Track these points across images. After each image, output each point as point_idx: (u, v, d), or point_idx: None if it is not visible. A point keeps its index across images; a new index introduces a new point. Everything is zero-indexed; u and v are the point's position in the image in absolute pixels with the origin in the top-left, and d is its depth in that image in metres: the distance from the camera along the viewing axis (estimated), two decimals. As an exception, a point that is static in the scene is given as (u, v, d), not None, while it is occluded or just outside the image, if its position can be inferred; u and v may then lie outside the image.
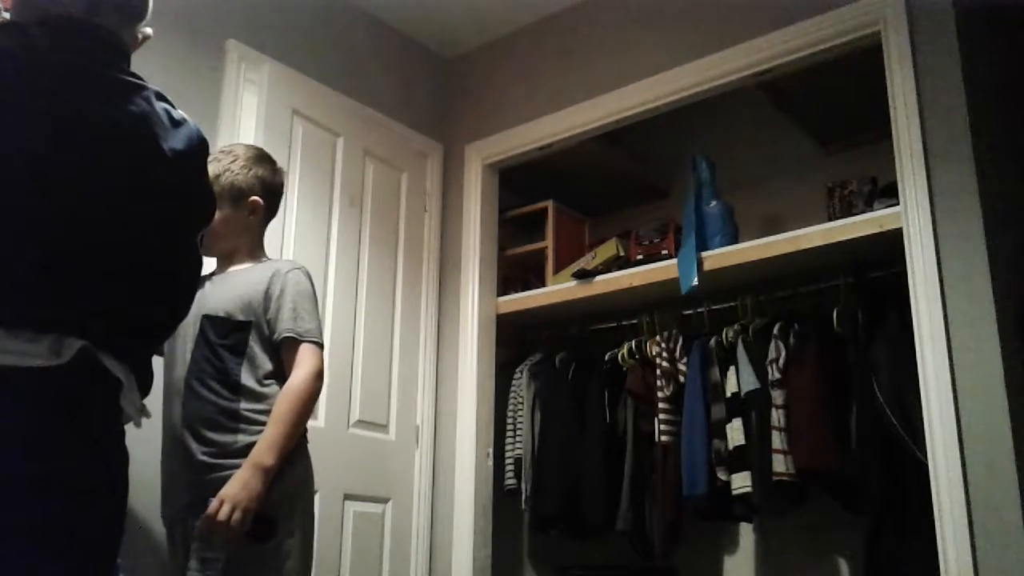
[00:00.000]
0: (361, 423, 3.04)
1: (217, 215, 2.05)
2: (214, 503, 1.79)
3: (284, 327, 1.98)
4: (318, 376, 1.99)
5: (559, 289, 3.34)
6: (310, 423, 2.81)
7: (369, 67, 3.41)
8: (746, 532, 3.22)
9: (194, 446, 1.92)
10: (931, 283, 2.32)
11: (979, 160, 2.35)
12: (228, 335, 1.98)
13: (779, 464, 2.65)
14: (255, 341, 1.99)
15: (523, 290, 3.51)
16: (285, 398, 1.92)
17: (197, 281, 1.64)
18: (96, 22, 1.43)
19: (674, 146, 3.59)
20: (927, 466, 2.26)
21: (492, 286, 3.45)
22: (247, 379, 1.96)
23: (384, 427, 3.14)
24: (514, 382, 3.47)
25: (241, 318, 1.99)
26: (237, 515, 1.78)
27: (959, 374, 2.25)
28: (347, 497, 2.93)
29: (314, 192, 3.01)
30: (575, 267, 3.33)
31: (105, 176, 1.36)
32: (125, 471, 1.38)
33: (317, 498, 2.80)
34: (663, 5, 3.11)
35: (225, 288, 2.05)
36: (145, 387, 1.44)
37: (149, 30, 1.56)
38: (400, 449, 3.18)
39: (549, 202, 3.59)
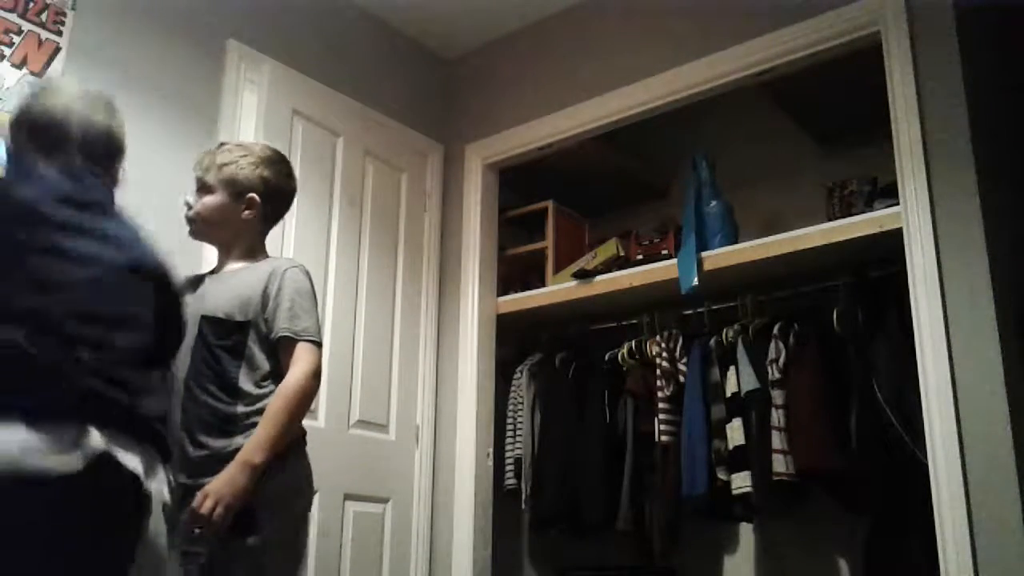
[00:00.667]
0: (361, 423, 3.04)
1: (213, 199, 2.06)
2: (198, 497, 1.80)
3: (281, 326, 1.96)
4: (314, 375, 1.96)
5: (559, 289, 3.34)
6: (310, 423, 2.83)
7: (369, 67, 3.41)
8: (746, 532, 3.22)
9: (189, 448, 1.92)
10: (931, 283, 2.32)
11: (979, 160, 2.35)
12: (227, 336, 1.97)
13: (779, 464, 2.65)
14: (253, 341, 1.97)
15: (523, 290, 3.51)
16: (279, 396, 1.91)
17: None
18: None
19: (674, 146, 3.59)
20: (927, 466, 2.26)
21: (492, 286, 3.45)
22: (245, 382, 1.95)
23: (384, 427, 3.14)
24: (514, 382, 3.47)
25: (239, 318, 1.97)
26: (219, 510, 1.77)
27: (959, 374, 2.25)
28: (347, 497, 2.93)
29: (314, 192, 3.01)
30: (575, 267, 3.33)
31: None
32: None
33: (317, 498, 2.80)
34: (663, 5, 3.11)
35: (223, 288, 2.04)
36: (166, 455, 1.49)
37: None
38: (400, 449, 3.18)
39: (549, 202, 3.59)
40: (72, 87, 1.74)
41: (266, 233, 2.20)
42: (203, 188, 2.09)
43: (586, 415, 3.23)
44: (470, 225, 3.45)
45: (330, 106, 3.14)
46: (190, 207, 2.10)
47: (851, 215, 2.73)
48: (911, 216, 2.41)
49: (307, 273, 2.09)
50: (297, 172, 2.91)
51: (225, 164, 2.06)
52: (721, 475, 2.79)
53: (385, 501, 3.09)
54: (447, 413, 3.32)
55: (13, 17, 2.36)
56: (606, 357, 3.28)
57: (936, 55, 2.45)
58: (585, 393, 3.27)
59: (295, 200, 2.88)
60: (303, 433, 2.04)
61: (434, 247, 3.48)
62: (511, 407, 3.43)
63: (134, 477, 1.36)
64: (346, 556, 2.89)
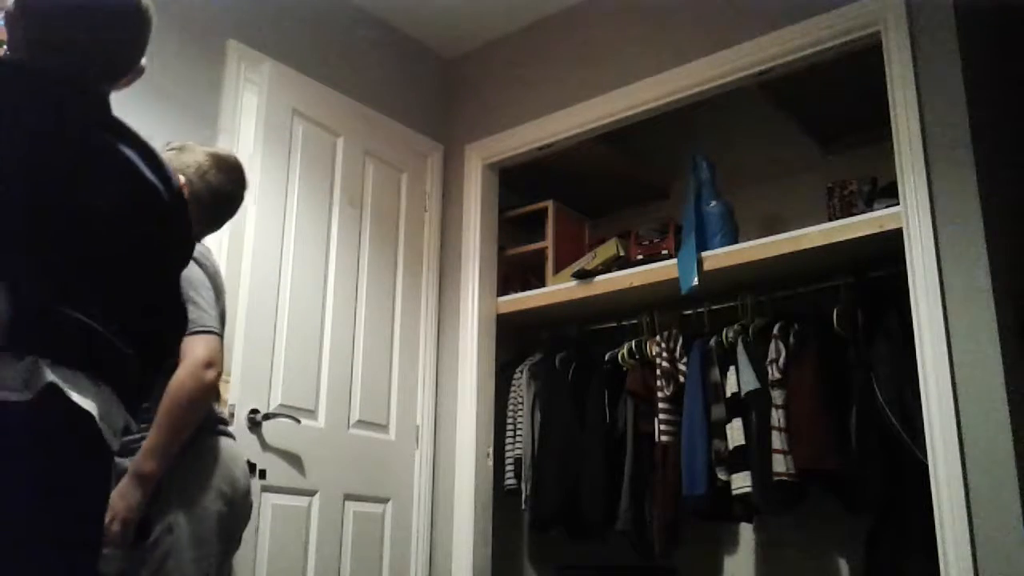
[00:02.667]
0: (361, 423, 3.04)
1: None
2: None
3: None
4: (204, 365, 1.84)
5: (559, 289, 3.34)
6: (311, 423, 2.84)
7: (369, 67, 3.41)
8: (746, 532, 3.22)
9: None
10: (931, 283, 2.32)
11: (979, 160, 2.35)
12: None
13: (779, 464, 2.65)
14: None
15: (523, 290, 3.51)
16: (165, 398, 1.81)
17: (180, 297, 1.62)
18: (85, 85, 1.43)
19: (674, 146, 3.59)
20: (927, 466, 2.27)
21: (492, 286, 3.45)
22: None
23: (384, 427, 3.14)
24: (514, 382, 3.47)
25: None
26: (116, 527, 1.70)
27: (959, 374, 2.25)
28: (347, 497, 2.93)
29: (314, 192, 3.01)
30: (575, 267, 3.33)
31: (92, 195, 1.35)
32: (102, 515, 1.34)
33: (317, 498, 2.82)
34: (663, 5, 3.11)
35: None
36: (139, 400, 1.40)
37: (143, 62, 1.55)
38: (400, 449, 3.19)
39: (549, 202, 3.59)
40: None
41: (202, 236, 2.10)
42: None
43: (586, 415, 3.23)
44: (470, 225, 3.45)
45: (330, 106, 3.15)
46: None
47: (851, 215, 2.74)
48: (911, 216, 2.41)
49: (203, 258, 1.99)
50: (297, 172, 2.95)
51: (168, 161, 1.99)
52: (721, 475, 2.79)
53: (385, 501, 3.09)
54: (447, 413, 3.32)
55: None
56: (606, 357, 3.28)
57: (936, 55, 2.45)
58: (585, 393, 3.27)
59: (295, 200, 2.92)
60: (216, 423, 1.96)
61: (434, 247, 3.48)
62: (511, 407, 3.43)
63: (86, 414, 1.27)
64: (346, 556, 2.89)
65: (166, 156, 1.83)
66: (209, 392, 1.87)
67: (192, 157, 2.04)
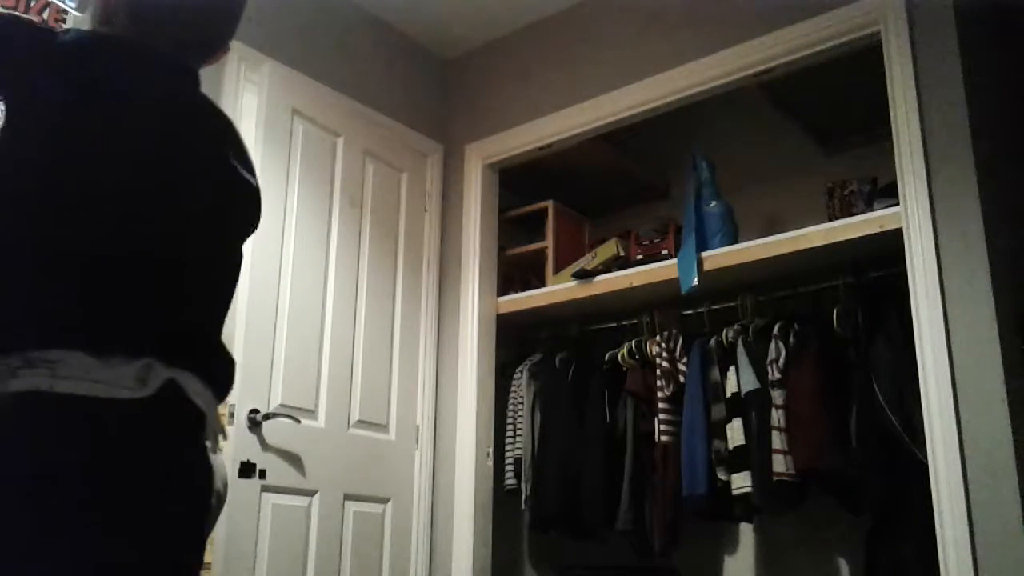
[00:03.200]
0: (361, 423, 3.04)
1: None
2: None
3: None
4: None
5: (559, 289, 3.34)
6: (310, 423, 2.84)
7: (369, 67, 3.41)
8: (746, 532, 3.22)
9: None
10: (931, 283, 2.32)
11: (979, 160, 2.35)
12: None
13: (779, 464, 2.65)
14: None
15: (523, 290, 3.51)
16: None
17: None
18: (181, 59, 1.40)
19: (674, 146, 3.59)
20: (927, 466, 2.27)
21: (492, 286, 3.45)
22: None
23: (384, 427, 3.15)
24: (514, 382, 3.47)
25: None
26: None
27: (959, 374, 2.25)
28: (347, 497, 2.93)
29: (314, 192, 3.01)
30: (575, 267, 3.33)
31: (193, 196, 1.33)
32: (203, 513, 1.32)
33: (317, 498, 2.83)
34: (663, 5, 3.11)
35: None
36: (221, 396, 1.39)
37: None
38: (400, 449, 3.19)
39: (549, 202, 3.59)
40: None
41: None
42: None
43: (586, 415, 3.23)
44: (470, 225, 3.46)
45: (330, 106, 3.15)
46: None
47: (851, 215, 2.74)
48: (911, 216, 2.41)
49: None
50: (297, 172, 2.95)
51: None
52: (721, 475, 2.79)
53: (385, 501, 3.09)
54: (447, 413, 3.32)
55: (13, 17, 2.36)
56: (606, 357, 3.28)
57: (936, 55, 2.45)
58: (585, 393, 3.27)
59: (295, 200, 2.92)
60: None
61: (434, 247, 3.48)
62: (511, 407, 3.43)
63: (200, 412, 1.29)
64: (346, 556, 2.89)
65: None
66: None
67: None
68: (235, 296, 1.47)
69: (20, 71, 1.28)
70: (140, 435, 1.21)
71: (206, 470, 1.30)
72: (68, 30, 1.38)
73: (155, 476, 1.21)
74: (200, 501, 1.30)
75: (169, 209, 1.31)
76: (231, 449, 2.58)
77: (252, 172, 1.44)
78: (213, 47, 1.47)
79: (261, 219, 1.50)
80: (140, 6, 1.38)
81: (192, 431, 1.28)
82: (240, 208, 1.43)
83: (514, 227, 3.71)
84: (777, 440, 2.68)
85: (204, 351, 1.33)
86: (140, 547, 1.17)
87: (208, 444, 1.31)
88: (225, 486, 1.99)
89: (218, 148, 1.39)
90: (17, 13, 1.36)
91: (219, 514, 2.02)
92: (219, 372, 1.35)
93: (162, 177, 1.30)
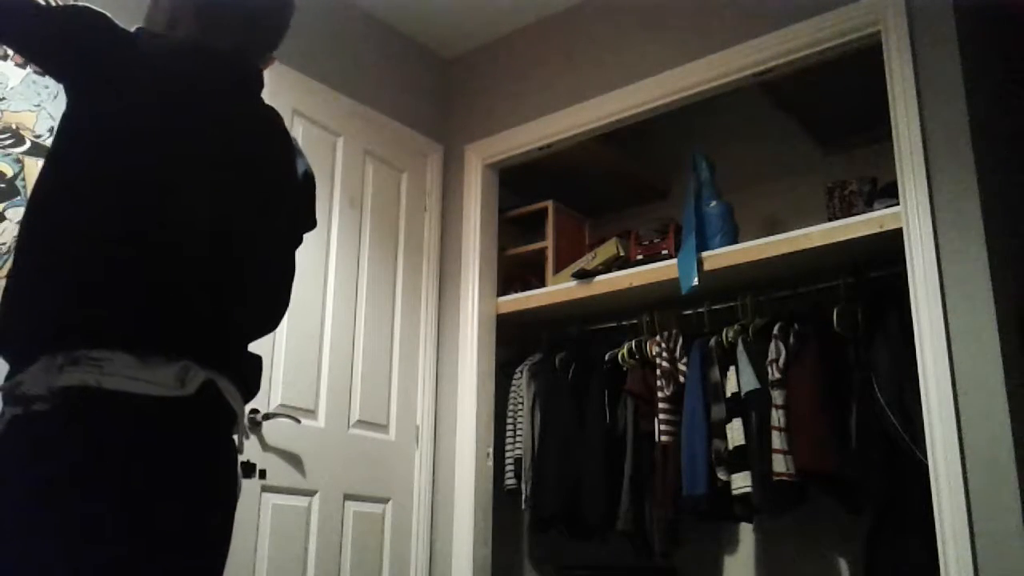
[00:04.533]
0: (361, 423, 3.04)
1: None
2: None
3: None
4: None
5: (559, 289, 3.33)
6: (310, 423, 2.84)
7: (369, 67, 3.41)
8: (746, 532, 3.22)
9: None
10: (931, 283, 2.32)
11: (979, 160, 2.35)
12: None
13: (779, 464, 2.65)
14: None
15: (523, 290, 3.51)
16: None
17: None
18: (242, 58, 1.46)
19: (674, 146, 3.59)
20: (927, 466, 2.27)
21: (492, 286, 3.45)
22: None
23: (384, 427, 3.15)
24: (514, 382, 3.47)
25: None
26: None
27: (959, 374, 2.25)
28: (347, 497, 2.93)
29: (314, 192, 3.00)
30: (575, 267, 3.32)
31: (249, 204, 1.38)
32: (232, 511, 1.37)
33: (317, 498, 2.83)
34: (663, 5, 3.11)
35: None
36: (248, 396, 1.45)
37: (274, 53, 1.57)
38: (400, 449, 3.19)
39: (549, 202, 3.59)
40: None
41: None
42: None
43: (586, 415, 3.23)
44: (470, 225, 3.45)
45: (330, 106, 3.15)
46: None
47: (851, 215, 2.73)
48: (911, 216, 2.41)
49: None
50: (297, 172, 2.94)
51: None
52: (721, 475, 2.79)
53: (385, 501, 3.09)
54: (447, 413, 3.32)
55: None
56: (606, 357, 3.28)
57: (936, 55, 2.45)
58: (585, 393, 3.27)
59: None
60: None
61: (434, 247, 3.48)
62: (511, 407, 3.43)
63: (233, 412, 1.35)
64: (346, 556, 2.89)
65: None
66: None
67: None
68: (289, 299, 1.49)
69: (103, 70, 1.32)
70: (185, 431, 1.26)
71: (237, 469, 1.36)
72: (141, 30, 1.41)
73: (198, 472, 1.27)
74: (235, 497, 1.36)
75: (243, 216, 1.36)
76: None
77: (309, 176, 1.51)
78: (272, 49, 1.53)
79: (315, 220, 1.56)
80: (207, 10, 1.43)
81: (228, 431, 1.34)
82: (299, 214, 1.48)
83: (514, 227, 3.71)
84: (777, 440, 2.68)
85: (237, 353, 1.38)
86: (178, 539, 1.23)
87: (240, 445, 1.37)
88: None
89: (290, 156, 1.45)
90: (99, 9, 1.41)
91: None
92: (249, 373, 1.40)
93: (239, 186, 1.35)
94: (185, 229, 1.31)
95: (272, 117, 1.48)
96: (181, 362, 1.25)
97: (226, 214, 1.35)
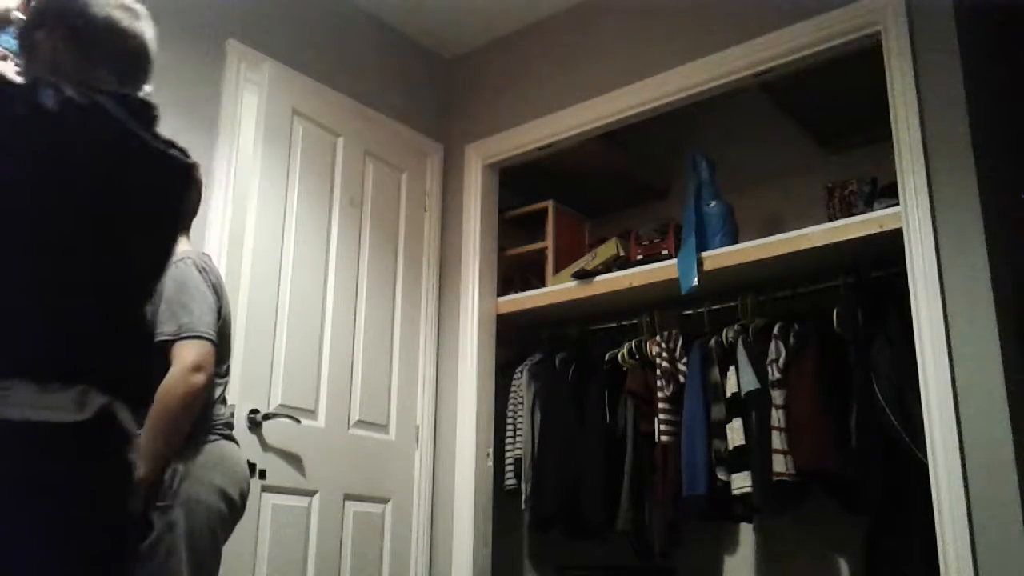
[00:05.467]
0: (361, 423, 3.04)
1: None
2: None
3: (159, 331, 1.85)
4: (192, 369, 1.84)
5: (559, 289, 3.33)
6: (310, 423, 2.84)
7: (369, 67, 3.41)
8: (746, 532, 3.22)
9: None
10: (931, 283, 2.32)
11: (979, 160, 2.35)
12: None
13: (779, 464, 2.65)
14: None
15: (523, 290, 3.51)
16: (155, 404, 1.79)
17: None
18: (125, 91, 1.48)
19: (674, 146, 3.59)
20: (927, 466, 2.27)
21: (492, 286, 3.45)
22: None
23: (384, 427, 3.14)
24: (514, 382, 3.47)
25: None
26: None
27: (959, 374, 2.25)
28: (347, 497, 2.93)
29: (314, 192, 3.01)
30: (575, 267, 3.32)
31: (116, 225, 1.42)
32: (127, 532, 1.43)
33: (317, 498, 2.83)
34: (663, 5, 3.11)
35: None
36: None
37: (149, 88, 1.60)
38: (400, 449, 3.18)
39: (549, 202, 3.59)
40: None
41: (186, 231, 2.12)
42: None
43: (586, 415, 3.23)
44: (470, 225, 3.45)
45: (330, 106, 3.14)
46: None
47: (851, 215, 2.74)
48: (911, 216, 2.41)
49: (200, 264, 1.98)
50: (297, 172, 2.95)
51: None
52: (721, 475, 2.79)
53: (385, 501, 3.09)
54: (447, 413, 3.32)
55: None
56: (606, 357, 3.28)
57: (936, 55, 2.45)
58: (585, 393, 3.27)
59: (295, 200, 2.92)
60: (222, 426, 1.98)
61: (434, 247, 3.48)
62: (511, 407, 3.43)
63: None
64: (346, 556, 2.89)
65: None
66: (198, 396, 1.87)
67: None
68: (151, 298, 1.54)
69: None
70: (80, 454, 1.33)
71: (130, 488, 1.42)
72: (19, 87, 1.41)
73: (92, 492, 1.34)
74: (125, 517, 1.43)
75: (110, 244, 1.41)
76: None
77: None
78: (147, 78, 1.57)
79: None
80: (88, 49, 1.47)
81: (122, 452, 1.40)
82: (152, 238, 1.52)
83: (514, 227, 3.71)
84: (777, 440, 2.68)
85: (128, 371, 1.45)
86: (78, 558, 1.30)
87: (132, 459, 1.43)
88: (240, 489, 2.04)
89: (167, 181, 1.50)
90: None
91: (239, 517, 2.05)
92: (140, 392, 1.50)
93: (105, 218, 1.40)
94: (67, 256, 1.36)
95: (153, 147, 1.50)
96: (78, 387, 1.31)
97: (104, 238, 1.40)
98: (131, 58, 1.51)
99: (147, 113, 1.48)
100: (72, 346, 1.36)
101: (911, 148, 2.44)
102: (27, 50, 1.51)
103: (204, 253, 2.08)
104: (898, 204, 2.47)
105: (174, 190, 1.52)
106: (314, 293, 2.94)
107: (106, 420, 1.33)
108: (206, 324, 1.93)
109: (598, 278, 3.22)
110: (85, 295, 1.37)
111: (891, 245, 2.47)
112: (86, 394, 1.31)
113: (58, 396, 1.29)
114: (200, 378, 1.86)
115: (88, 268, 1.38)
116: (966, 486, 2.18)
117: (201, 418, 1.92)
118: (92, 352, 1.37)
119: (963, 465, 2.19)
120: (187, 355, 1.86)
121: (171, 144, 1.51)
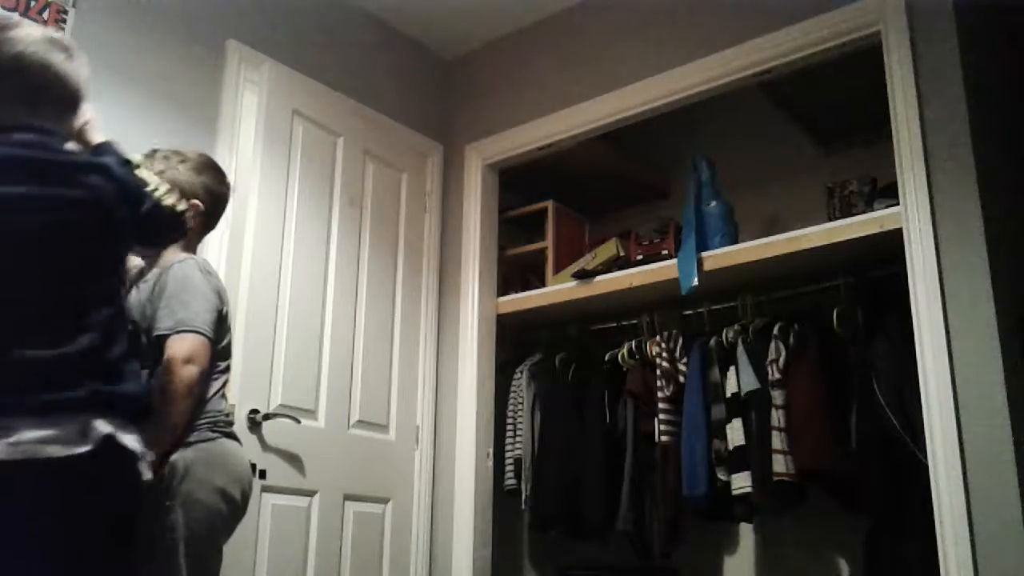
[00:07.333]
0: (361, 423, 3.04)
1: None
2: None
3: (156, 326, 1.88)
4: (184, 361, 1.84)
5: (559, 289, 3.33)
6: (310, 423, 2.84)
7: (369, 67, 3.41)
8: (746, 532, 3.22)
9: None
10: (931, 283, 2.32)
11: (979, 160, 2.35)
12: (138, 346, 1.85)
13: (779, 464, 2.65)
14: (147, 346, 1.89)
15: (523, 290, 3.51)
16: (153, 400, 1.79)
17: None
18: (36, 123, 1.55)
19: (674, 146, 3.59)
20: (927, 466, 2.26)
21: (492, 286, 3.45)
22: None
23: (384, 427, 3.14)
24: (514, 382, 3.47)
25: (144, 326, 1.90)
26: None
27: (959, 374, 2.25)
28: (347, 497, 2.93)
29: (314, 192, 3.01)
30: (575, 267, 3.32)
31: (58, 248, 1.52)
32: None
33: (317, 498, 2.83)
34: (663, 5, 3.11)
35: (136, 296, 1.96)
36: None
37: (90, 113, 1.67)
38: (400, 449, 3.18)
39: (549, 202, 3.59)
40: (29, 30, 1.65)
41: (200, 239, 2.15)
42: None
43: (586, 415, 3.23)
44: (470, 225, 3.45)
45: (330, 106, 3.14)
46: None
47: (851, 215, 2.73)
48: (911, 216, 2.41)
49: (203, 267, 2.00)
50: (297, 172, 2.95)
51: (161, 171, 1.97)
52: (721, 475, 2.79)
53: (385, 501, 3.09)
54: (447, 413, 3.32)
55: (15, 16, 2.36)
56: (606, 357, 3.28)
57: (936, 55, 2.45)
58: (585, 393, 3.27)
59: (295, 200, 2.92)
60: (223, 424, 1.99)
61: (434, 247, 3.48)
62: (511, 407, 3.43)
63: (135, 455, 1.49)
64: (346, 556, 2.89)
65: (151, 167, 1.91)
66: (190, 388, 1.85)
67: (176, 161, 2.07)
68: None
69: None
70: (89, 484, 1.42)
71: (140, 506, 1.54)
72: None
73: (104, 515, 1.45)
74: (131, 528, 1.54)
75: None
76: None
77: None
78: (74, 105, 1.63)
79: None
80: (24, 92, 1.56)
81: (132, 471, 1.49)
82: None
83: (514, 227, 3.71)
84: (777, 440, 2.68)
85: (128, 394, 1.54)
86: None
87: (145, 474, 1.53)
88: (241, 489, 2.05)
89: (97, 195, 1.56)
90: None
91: (240, 516, 2.05)
92: (131, 405, 1.55)
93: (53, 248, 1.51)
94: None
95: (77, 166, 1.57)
96: (83, 416, 1.39)
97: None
98: (41, 90, 1.57)
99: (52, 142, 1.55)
100: (67, 377, 1.42)
101: (911, 148, 2.44)
102: None
103: (205, 260, 2.09)
104: (898, 204, 2.46)
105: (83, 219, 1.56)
106: (314, 293, 2.94)
107: (111, 446, 1.41)
108: (203, 320, 1.92)
109: (598, 278, 3.22)
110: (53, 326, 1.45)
111: (891, 245, 2.47)
112: (87, 424, 1.39)
113: (62, 429, 1.36)
114: (192, 370, 1.85)
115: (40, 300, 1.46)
116: (966, 486, 2.18)
117: (194, 413, 1.91)
118: (86, 380, 1.44)
119: (963, 465, 2.19)
120: (179, 348, 1.85)
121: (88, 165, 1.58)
